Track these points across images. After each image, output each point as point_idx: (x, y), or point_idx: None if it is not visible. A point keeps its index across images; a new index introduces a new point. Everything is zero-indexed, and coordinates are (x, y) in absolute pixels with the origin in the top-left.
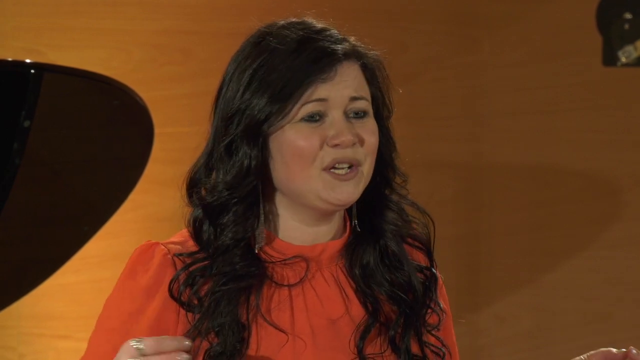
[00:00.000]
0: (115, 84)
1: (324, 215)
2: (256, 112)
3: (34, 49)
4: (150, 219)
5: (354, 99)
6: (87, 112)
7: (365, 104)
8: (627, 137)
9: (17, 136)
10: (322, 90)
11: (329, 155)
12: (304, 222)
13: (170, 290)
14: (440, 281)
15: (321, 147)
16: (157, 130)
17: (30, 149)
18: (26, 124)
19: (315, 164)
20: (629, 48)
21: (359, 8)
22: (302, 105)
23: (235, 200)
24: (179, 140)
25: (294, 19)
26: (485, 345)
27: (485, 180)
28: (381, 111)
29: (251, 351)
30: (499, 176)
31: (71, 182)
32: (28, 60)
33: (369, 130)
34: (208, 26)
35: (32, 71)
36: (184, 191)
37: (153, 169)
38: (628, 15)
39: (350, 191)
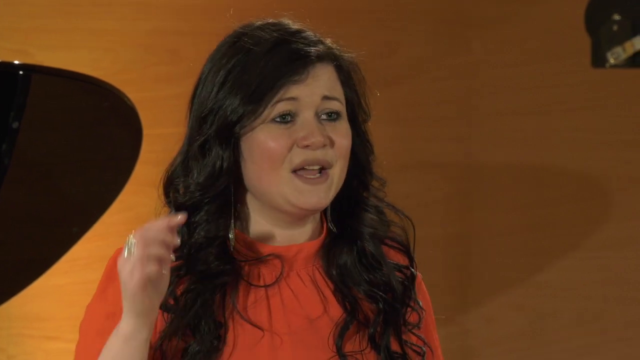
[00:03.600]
0: (103, 85)
1: (295, 219)
2: (229, 113)
3: (22, 50)
4: (139, 220)
5: (326, 98)
6: (75, 114)
7: (337, 105)
8: (619, 138)
9: (5, 137)
10: (293, 90)
11: (298, 156)
12: (277, 224)
13: None
14: (419, 278)
15: (291, 148)
16: (146, 132)
17: (19, 150)
18: (15, 125)
19: (284, 165)
20: (618, 49)
21: (351, 8)
22: (273, 105)
23: (207, 200)
24: (168, 141)
25: (270, 20)
26: (475, 346)
27: (476, 180)
28: (357, 114)
29: (228, 348)
30: (490, 176)
31: (60, 184)
32: (16, 62)
33: (341, 133)
34: (197, 26)
35: (21, 72)
36: (161, 190)
37: (142, 170)
38: (616, 17)
39: (320, 196)
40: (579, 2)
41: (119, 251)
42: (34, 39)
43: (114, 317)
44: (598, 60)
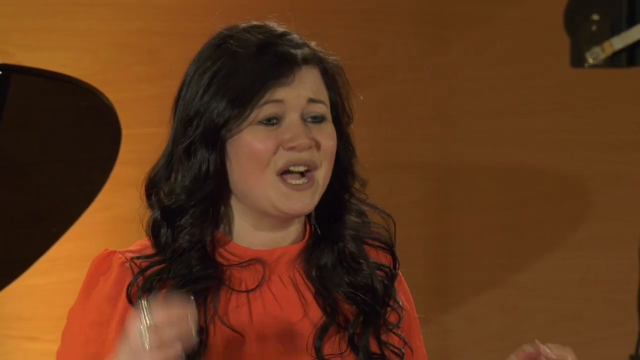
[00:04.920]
0: (82, 85)
1: (279, 222)
2: (215, 116)
3: (1, 50)
4: (118, 220)
5: (311, 100)
6: (54, 113)
7: (323, 108)
8: (597, 138)
9: None
10: (279, 92)
11: (283, 158)
12: (260, 227)
13: (128, 295)
14: (400, 277)
15: (276, 150)
16: (125, 131)
17: None
18: None
19: (270, 167)
20: (597, 49)
21: (330, 9)
22: (260, 108)
23: (193, 203)
24: (147, 141)
25: (255, 22)
26: (456, 346)
27: (455, 181)
28: (340, 117)
29: (210, 353)
30: (469, 177)
31: (39, 183)
32: None
33: (326, 135)
34: (176, 27)
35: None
36: (143, 192)
37: (121, 170)
38: (595, 17)
39: (305, 201)
40: (558, 2)
41: (101, 256)
42: (13, 38)
43: (99, 326)
44: (577, 60)
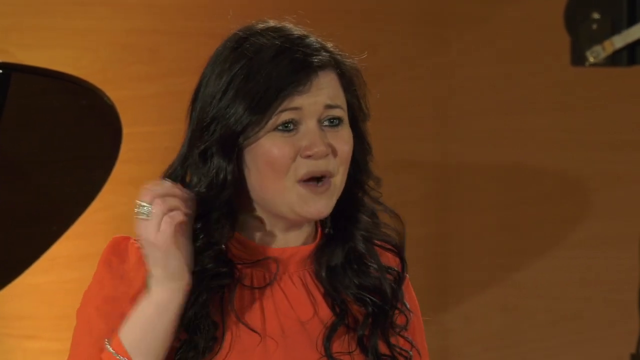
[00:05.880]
0: (83, 83)
1: (294, 224)
2: (232, 123)
3: (1, 48)
4: (118, 219)
5: (328, 107)
6: (55, 112)
7: (340, 112)
8: (597, 137)
9: None
10: (297, 100)
11: (303, 166)
12: (276, 228)
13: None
14: (407, 281)
15: (294, 157)
16: (125, 130)
17: None
18: None
19: (289, 175)
20: (597, 48)
21: (330, 9)
22: (278, 115)
23: (210, 209)
24: (147, 139)
25: (272, 23)
26: (455, 345)
27: (454, 180)
28: (357, 116)
29: (223, 350)
30: (468, 176)
31: (39, 182)
32: None
33: (343, 140)
34: (176, 26)
35: (0, 71)
36: None
37: (121, 169)
38: (596, 16)
39: (323, 204)
40: (558, 2)
41: (117, 239)
42: (13, 37)
43: (113, 301)
44: (577, 59)
